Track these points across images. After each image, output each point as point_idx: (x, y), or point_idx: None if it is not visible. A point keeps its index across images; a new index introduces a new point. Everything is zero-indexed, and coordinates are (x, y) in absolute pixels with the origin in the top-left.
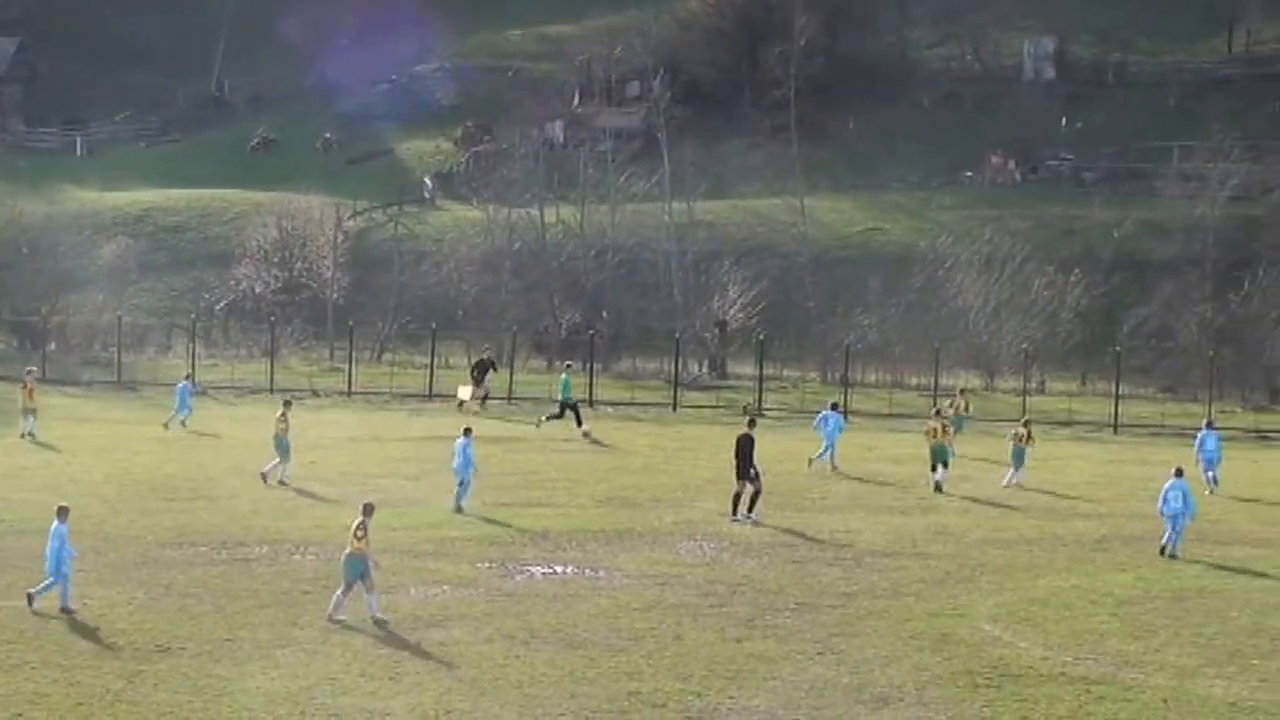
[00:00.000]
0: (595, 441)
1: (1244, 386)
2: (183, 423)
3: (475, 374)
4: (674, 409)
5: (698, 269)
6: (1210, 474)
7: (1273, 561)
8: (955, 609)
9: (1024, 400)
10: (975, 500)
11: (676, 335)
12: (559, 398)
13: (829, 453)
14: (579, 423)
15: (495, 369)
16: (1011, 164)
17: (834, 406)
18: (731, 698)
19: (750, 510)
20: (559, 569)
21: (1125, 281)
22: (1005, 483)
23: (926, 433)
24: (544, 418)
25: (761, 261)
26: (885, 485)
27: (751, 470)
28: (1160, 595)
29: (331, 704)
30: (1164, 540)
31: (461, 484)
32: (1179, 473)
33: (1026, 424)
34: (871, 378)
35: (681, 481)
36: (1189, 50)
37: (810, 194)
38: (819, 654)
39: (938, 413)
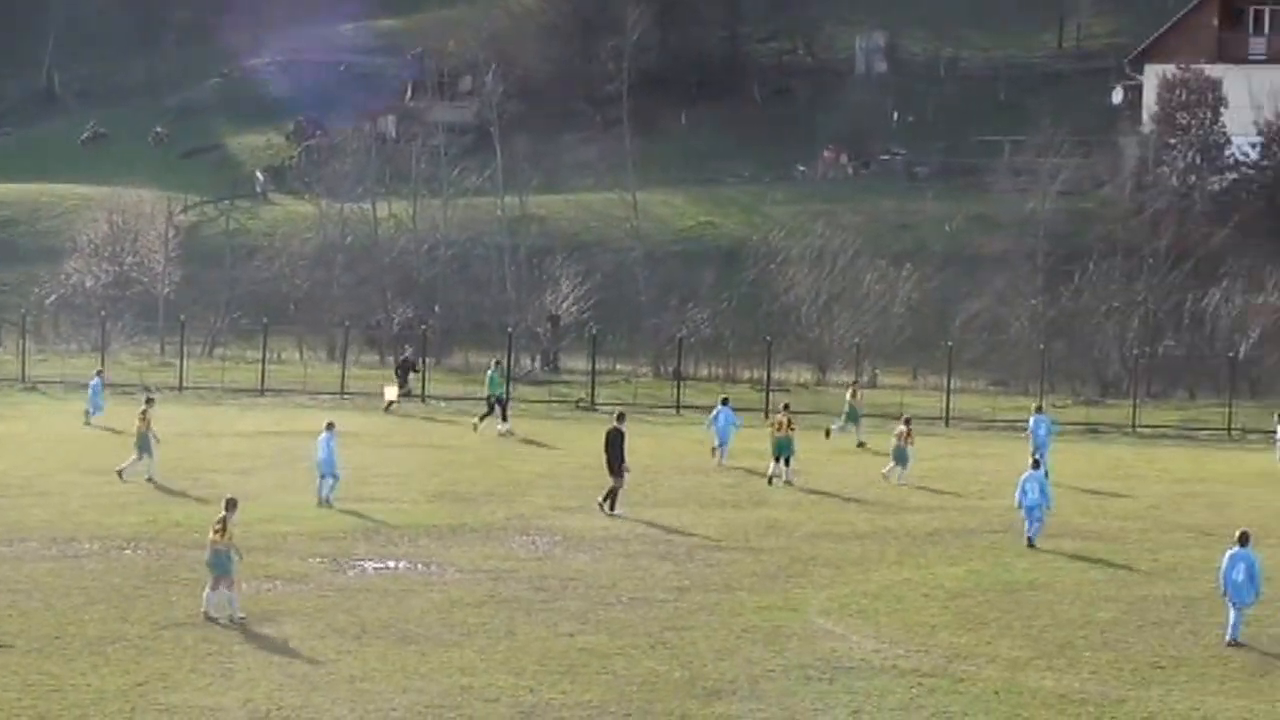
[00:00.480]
0: (517, 438)
1: (1075, 380)
2: (88, 421)
3: (399, 374)
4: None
5: (530, 263)
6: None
7: (1102, 554)
8: (787, 603)
9: (851, 392)
10: (808, 494)
11: (509, 329)
12: (486, 394)
13: (723, 449)
14: (504, 419)
15: (416, 370)
16: (844, 158)
17: (724, 402)
18: (564, 692)
19: (605, 501)
20: (391, 564)
21: (957, 275)
22: (899, 481)
23: (773, 425)
24: (478, 419)
25: (594, 256)
26: (717, 479)
27: (620, 464)
28: (991, 588)
29: (163, 700)
30: (1028, 533)
31: (323, 477)
32: (1036, 464)
33: (907, 421)
34: (704, 371)
35: (514, 476)
36: (1020, 45)
37: (643, 188)
38: (651, 648)
39: (785, 406)
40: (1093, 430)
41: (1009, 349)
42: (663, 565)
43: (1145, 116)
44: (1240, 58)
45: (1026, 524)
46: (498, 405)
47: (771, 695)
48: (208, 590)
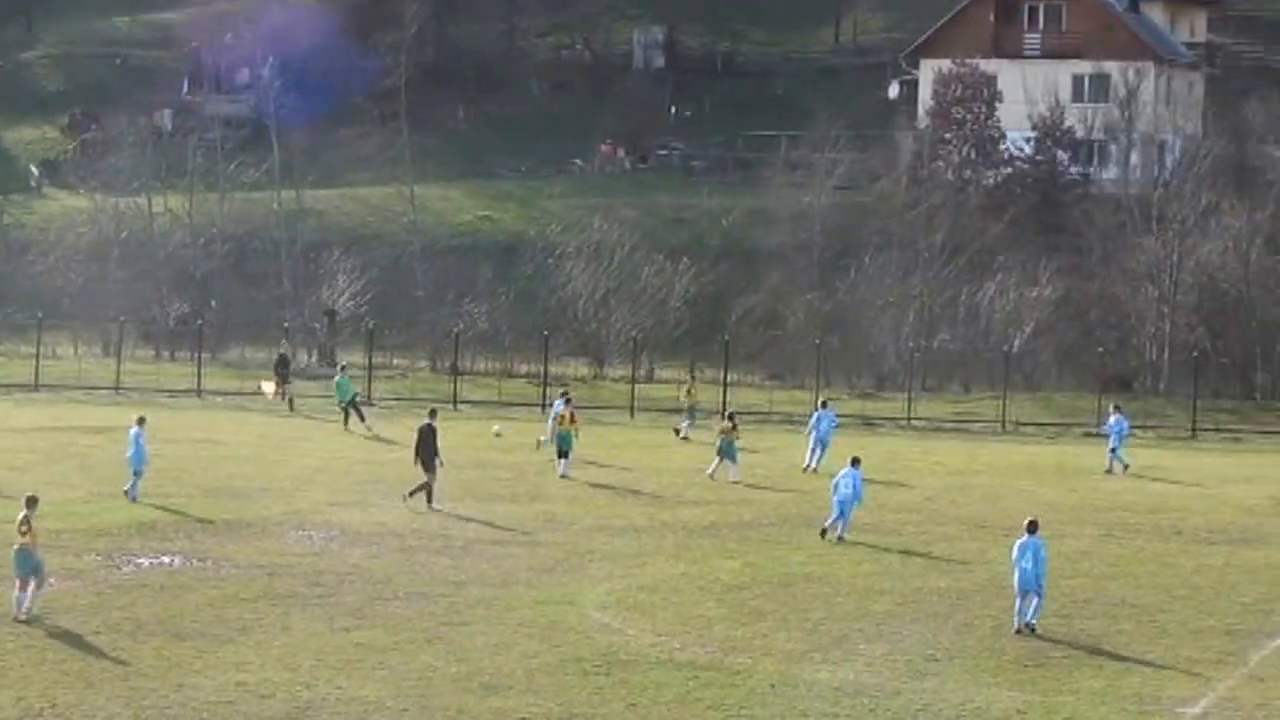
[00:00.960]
0: (378, 437)
1: (851, 373)
2: None
3: (279, 370)
4: (283, 398)
5: (307, 258)
6: (817, 453)
7: (876, 547)
8: (564, 597)
9: (686, 390)
10: (587, 488)
11: (285, 324)
12: (339, 400)
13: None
14: (361, 418)
15: (289, 365)
16: (621, 153)
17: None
18: (340, 688)
19: (412, 495)
20: (166, 560)
21: (733, 269)
22: (732, 478)
23: (557, 419)
24: (346, 425)
25: (371, 250)
26: (495, 473)
27: (434, 460)
28: (767, 581)
29: None
30: (828, 523)
31: (136, 474)
32: (855, 461)
33: (731, 417)
34: (481, 366)
35: (290, 471)
36: (797, 40)
37: (420, 183)
38: (428, 643)
39: (567, 401)
40: (868, 423)
41: (785, 343)
42: (440, 560)
43: (921, 111)
44: (1015, 53)
45: (835, 518)
46: (352, 409)
47: (548, 689)
48: (16, 592)
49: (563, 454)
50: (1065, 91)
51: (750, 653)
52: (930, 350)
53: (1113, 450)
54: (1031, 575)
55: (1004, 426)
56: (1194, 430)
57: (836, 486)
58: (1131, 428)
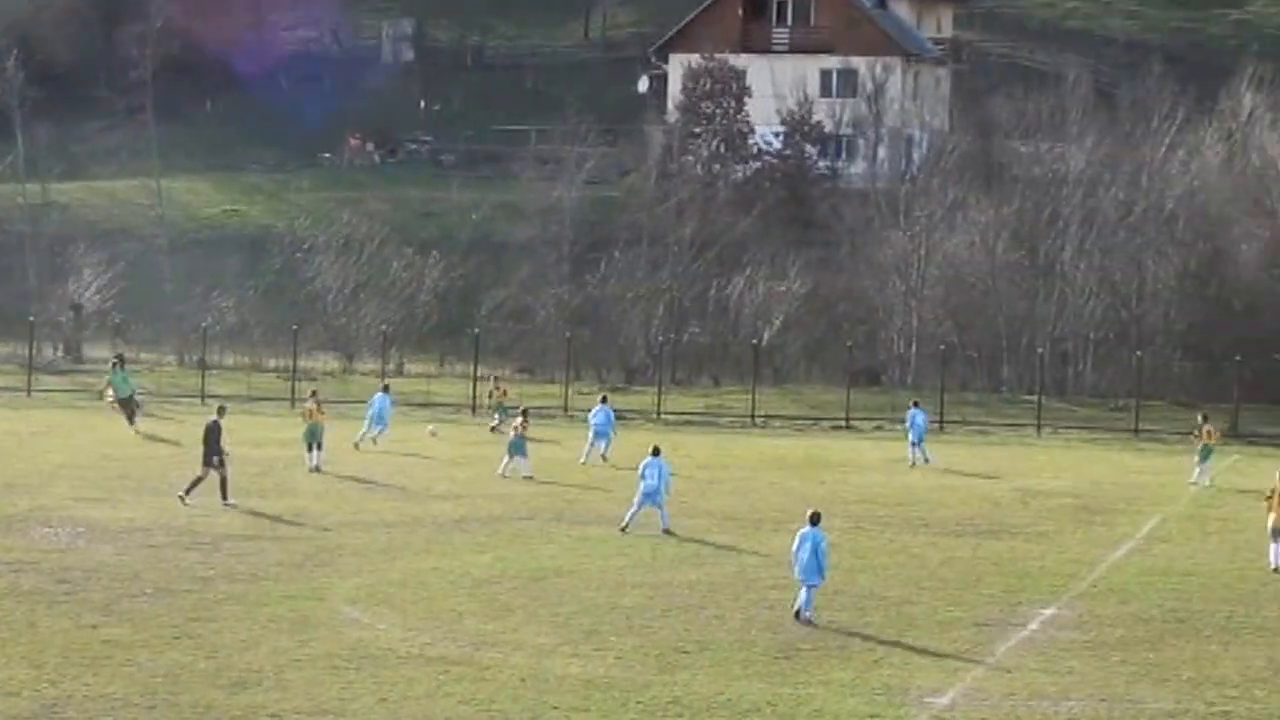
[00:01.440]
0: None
1: (601, 367)
2: None
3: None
4: (28, 393)
5: (52, 251)
6: (597, 446)
7: (627, 540)
8: (313, 592)
9: (495, 387)
10: (337, 482)
11: (30, 319)
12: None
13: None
14: (130, 418)
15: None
16: (370, 146)
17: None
18: (87, 685)
19: (225, 495)
20: None
21: (483, 263)
22: (524, 474)
23: (302, 414)
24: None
25: (118, 244)
26: (245, 468)
27: (215, 457)
28: (518, 575)
29: None
30: (629, 516)
31: None
32: (656, 451)
33: (524, 413)
34: (230, 360)
35: (36, 466)
36: (547, 34)
37: (167, 176)
38: (175, 639)
39: (313, 394)
40: (619, 417)
41: (535, 336)
42: (188, 555)
43: (670, 106)
44: (764, 48)
45: (636, 510)
46: (124, 406)
47: (298, 685)
48: None
49: (311, 447)
50: (813, 86)
51: (501, 647)
52: (680, 344)
53: (914, 444)
54: (812, 566)
55: (753, 420)
56: (941, 423)
57: (643, 475)
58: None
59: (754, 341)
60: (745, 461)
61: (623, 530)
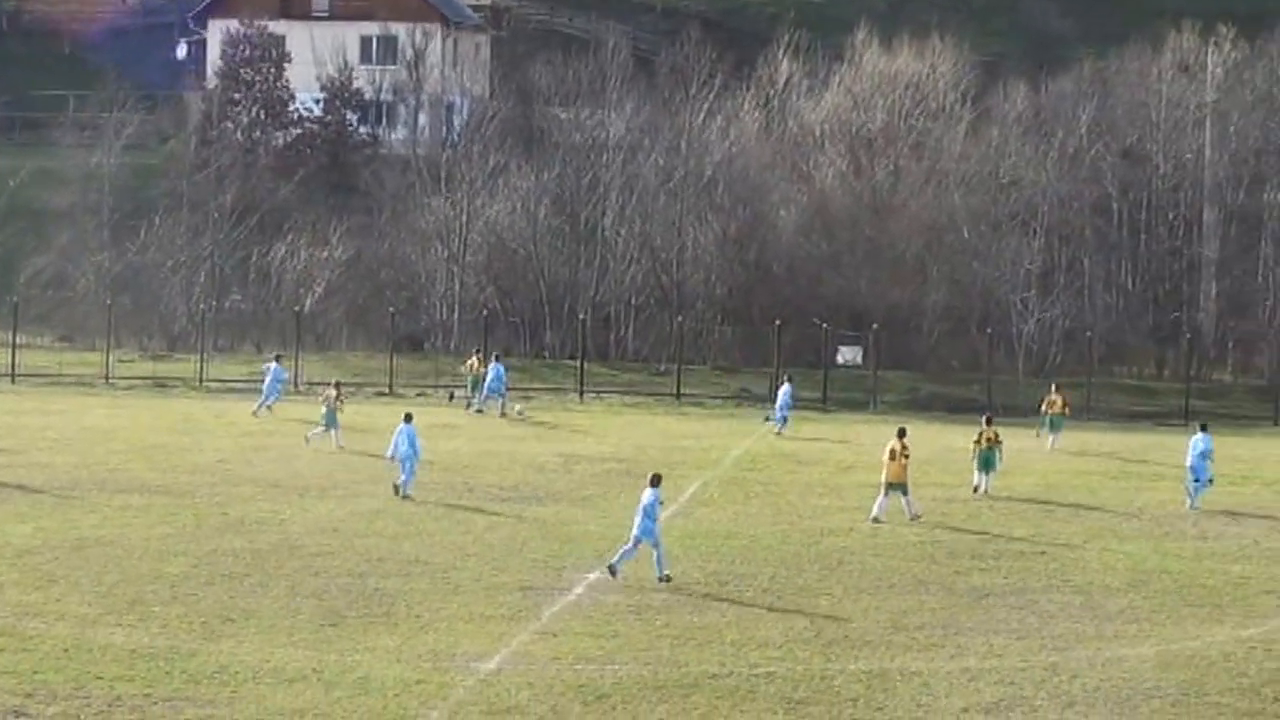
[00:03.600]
0: None
1: (143, 334)
2: None
3: None
4: None
5: None
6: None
7: (171, 509)
8: None
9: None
10: None
11: None
12: None
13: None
14: None
15: None
16: None
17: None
18: None
19: None
20: None
21: (22, 231)
22: (336, 444)
23: None
24: None
25: None
26: None
27: None
28: (60, 545)
29: None
30: (403, 487)
31: None
32: (408, 418)
33: (337, 385)
34: None
35: None
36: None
37: None
38: None
39: None
40: (160, 385)
41: (75, 304)
42: None
43: (210, 72)
44: (303, 14)
45: (403, 476)
46: None
47: None
48: None
49: None
50: (354, 53)
51: (43, 617)
52: (222, 311)
53: (782, 418)
54: (648, 527)
55: (296, 387)
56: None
57: (396, 445)
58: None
59: (296, 309)
60: (290, 428)
61: (396, 492)
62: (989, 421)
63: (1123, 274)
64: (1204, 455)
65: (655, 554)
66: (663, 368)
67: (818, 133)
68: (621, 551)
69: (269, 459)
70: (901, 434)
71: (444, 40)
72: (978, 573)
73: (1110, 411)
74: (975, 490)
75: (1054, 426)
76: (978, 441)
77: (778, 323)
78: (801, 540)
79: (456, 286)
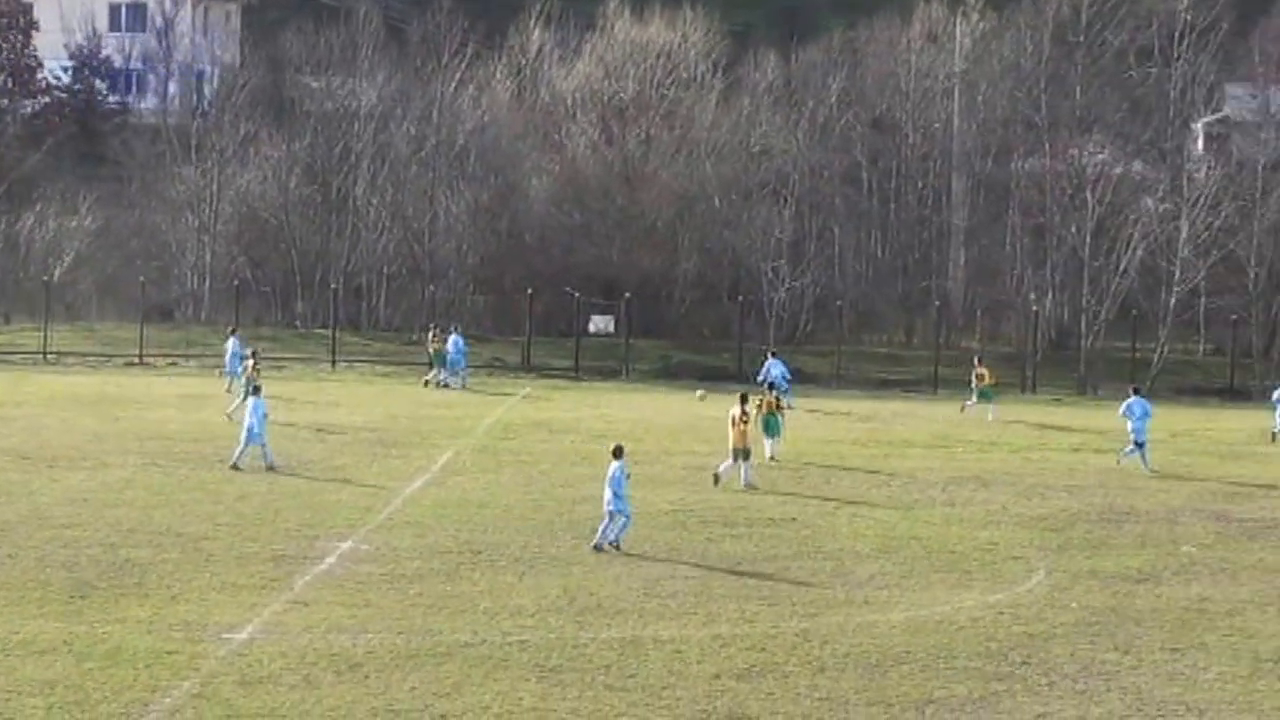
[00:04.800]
0: None
1: None
2: None
3: None
4: None
5: None
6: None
7: None
8: None
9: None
10: None
11: None
12: None
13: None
14: None
15: None
16: None
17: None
18: None
19: None
20: None
21: None
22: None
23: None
24: None
25: None
26: None
27: None
28: None
29: None
30: (236, 454)
31: None
32: (256, 390)
33: (254, 355)
34: None
35: None
36: None
37: None
38: None
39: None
40: None
41: None
42: None
43: None
44: None
45: (244, 449)
46: None
47: None
48: None
49: None
50: (103, 21)
51: None
52: None
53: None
54: (610, 496)
55: (45, 357)
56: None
57: (251, 413)
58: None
59: (45, 278)
60: (37, 399)
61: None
62: (771, 388)
63: (872, 242)
64: (1144, 417)
65: (618, 522)
66: (415, 337)
67: (569, 102)
68: (602, 529)
69: (17, 429)
70: (744, 400)
71: (194, 8)
72: (730, 540)
73: (860, 379)
74: (770, 459)
75: (986, 398)
76: (759, 408)
77: (530, 291)
78: (554, 509)
79: (207, 256)
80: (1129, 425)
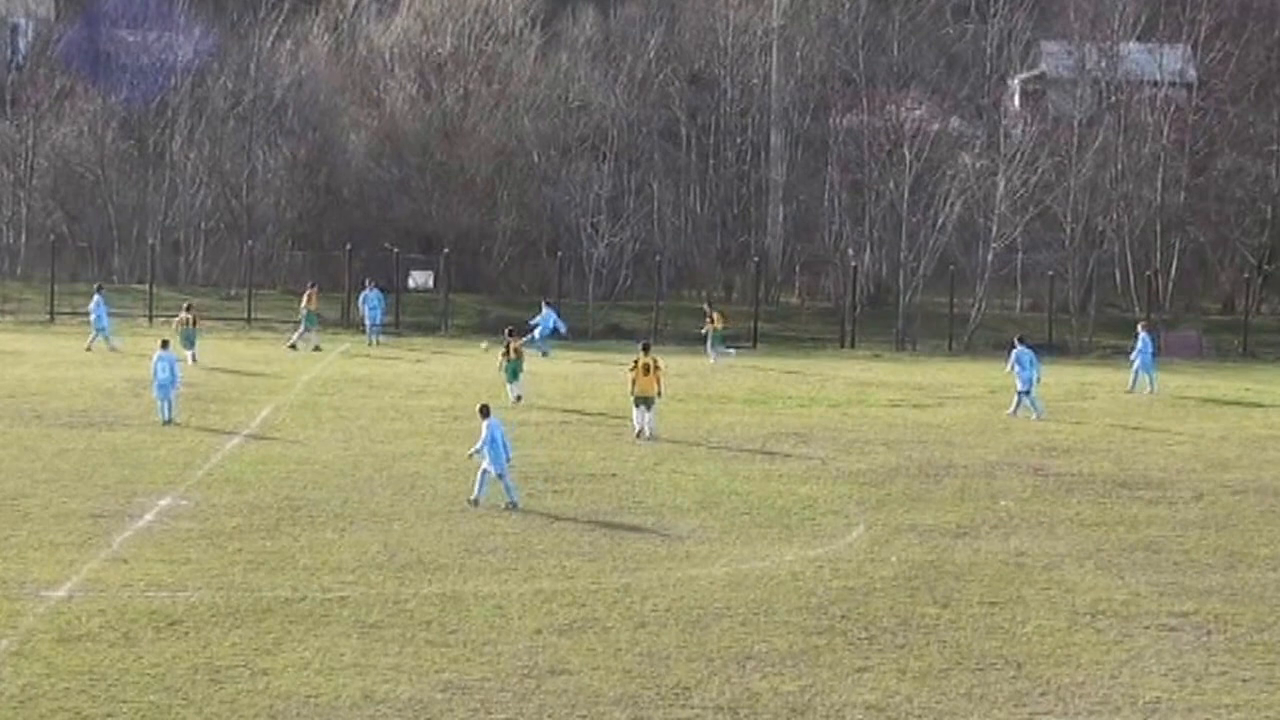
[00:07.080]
0: None
1: None
2: None
3: None
4: None
5: None
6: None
7: None
8: None
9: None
10: None
11: None
12: None
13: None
14: None
15: None
16: None
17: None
18: None
19: None
20: None
21: None
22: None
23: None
24: None
25: None
26: None
27: None
28: None
29: None
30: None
31: None
32: (165, 344)
33: (189, 308)
34: None
35: None
36: None
37: None
38: None
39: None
40: None
41: None
42: None
43: None
44: None
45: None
46: None
47: None
48: None
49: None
50: None
51: None
52: None
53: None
54: (496, 456)
55: None
56: (52, 315)
57: (155, 371)
58: None
59: None
60: None
61: (166, 425)
62: (511, 334)
63: (692, 198)
64: (1033, 365)
65: (488, 478)
66: (233, 292)
67: (387, 56)
68: (480, 485)
69: None
70: (646, 349)
71: None
72: (551, 495)
73: (679, 335)
74: (515, 400)
75: (719, 341)
76: (505, 353)
77: (349, 247)
78: (374, 465)
79: (23, 211)
80: (1017, 375)
